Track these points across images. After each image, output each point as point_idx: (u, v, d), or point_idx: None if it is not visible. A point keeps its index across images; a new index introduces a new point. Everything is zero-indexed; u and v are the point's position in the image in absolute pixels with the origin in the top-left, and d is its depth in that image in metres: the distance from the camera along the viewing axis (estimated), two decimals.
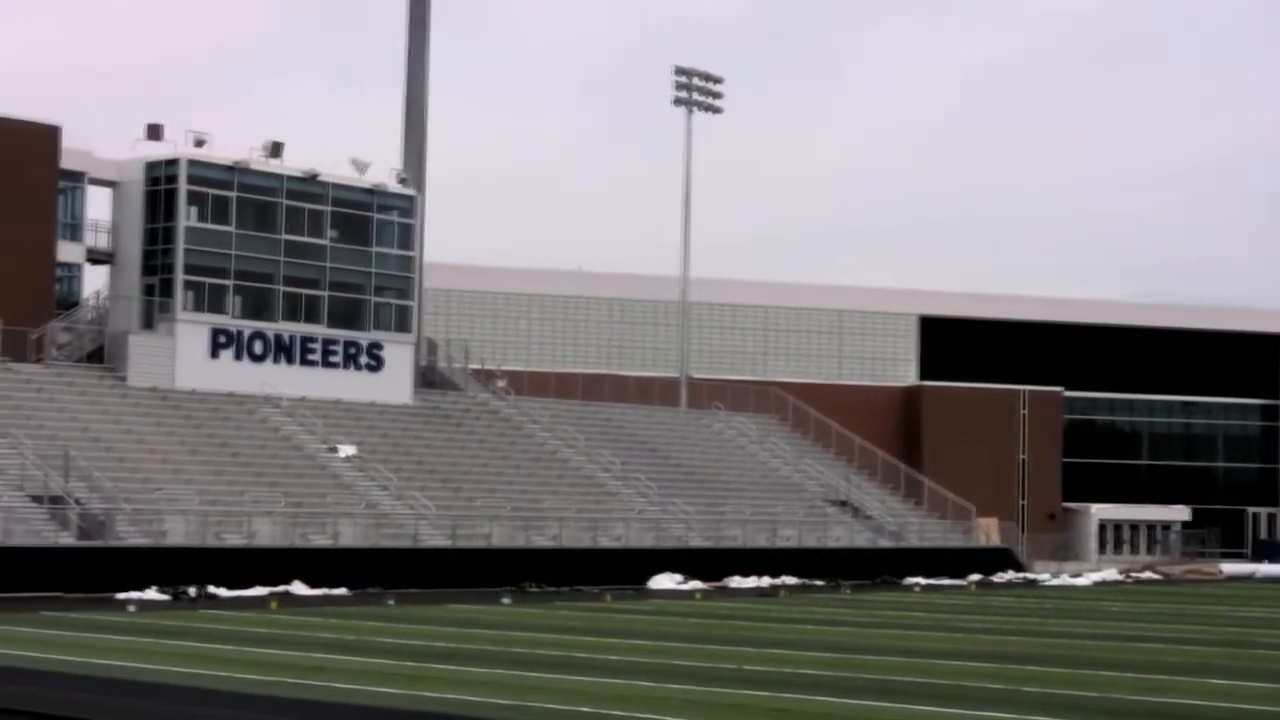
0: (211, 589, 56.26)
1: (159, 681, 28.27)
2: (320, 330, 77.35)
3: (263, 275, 75.89)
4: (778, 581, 71.49)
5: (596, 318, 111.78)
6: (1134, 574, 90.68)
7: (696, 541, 76.43)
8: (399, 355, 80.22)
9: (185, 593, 55.46)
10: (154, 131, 74.51)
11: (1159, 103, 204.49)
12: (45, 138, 73.47)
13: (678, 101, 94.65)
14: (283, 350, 76.15)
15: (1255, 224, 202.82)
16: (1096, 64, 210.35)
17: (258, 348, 75.37)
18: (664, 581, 68.66)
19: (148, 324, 73.70)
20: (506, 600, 56.80)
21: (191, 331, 73.50)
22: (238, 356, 74.77)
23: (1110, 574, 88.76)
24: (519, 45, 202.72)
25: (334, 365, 77.79)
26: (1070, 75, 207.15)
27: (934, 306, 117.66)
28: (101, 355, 73.62)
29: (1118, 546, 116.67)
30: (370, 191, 79.52)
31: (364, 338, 78.88)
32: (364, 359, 78.85)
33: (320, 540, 65.06)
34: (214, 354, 74.08)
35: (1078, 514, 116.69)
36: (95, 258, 76.09)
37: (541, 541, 71.13)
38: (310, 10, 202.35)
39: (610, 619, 48.06)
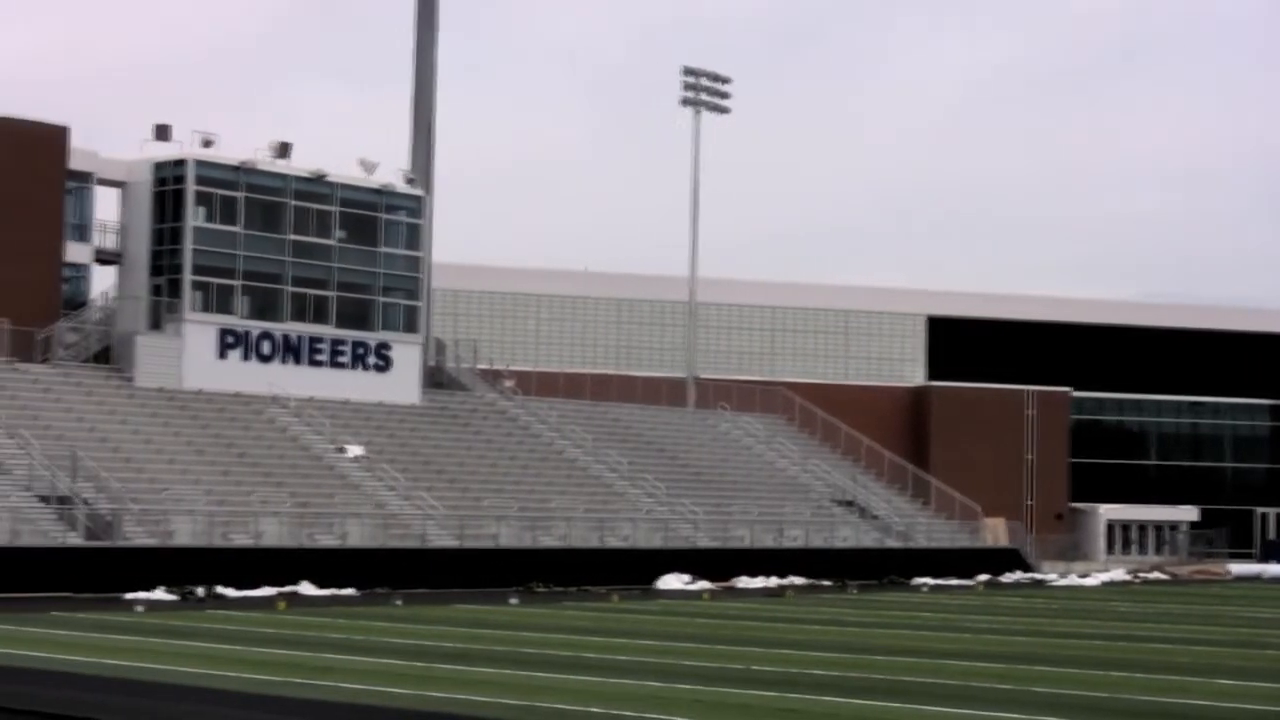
0: (219, 589, 56.26)
1: (167, 682, 28.27)
2: (328, 330, 77.38)
3: (270, 275, 75.92)
4: (785, 582, 71.45)
5: (604, 318, 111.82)
6: (1142, 574, 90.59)
7: (704, 542, 76.42)
8: (407, 355, 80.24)
9: (193, 593, 55.47)
10: (161, 132, 74.53)
11: (1166, 103, 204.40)
12: (53, 138, 73.48)
13: (685, 101, 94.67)
14: (290, 350, 76.18)
15: (1263, 224, 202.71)
16: (1104, 64, 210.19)
17: (265, 348, 75.41)
18: (671, 581, 68.63)
19: (155, 324, 73.74)
20: (514, 600, 56.78)
21: (199, 332, 73.53)
22: (245, 357, 74.80)
23: (1118, 574, 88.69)
24: (527, 45, 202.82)
25: (342, 365, 77.81)
26: (1078, 75, 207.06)
27: (942, 307, 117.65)
28: (109, 355, 73.66)
29: (1126, 547, 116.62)
30: (378, 192, 79.54)
31: (372, 338, 78.91)
32: (372, 359, 78.87)
33: (328, 540, 65.07)
34: (222, 354, 74.11)
35: (1086, 514, 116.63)
36: (103, 258, 76.10)
37: (549, 542, 71.13)
38: (318, 11, 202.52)
39: (618, 619, 48.05)
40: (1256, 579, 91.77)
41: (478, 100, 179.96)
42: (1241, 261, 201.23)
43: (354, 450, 72.55)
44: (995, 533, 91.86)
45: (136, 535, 60.48)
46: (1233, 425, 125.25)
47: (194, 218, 73.66)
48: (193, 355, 73.17)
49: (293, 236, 76.39)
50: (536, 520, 72.16)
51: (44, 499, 59.90)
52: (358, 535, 66.15)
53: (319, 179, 77.39)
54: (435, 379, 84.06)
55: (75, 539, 58.55)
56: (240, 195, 74.92)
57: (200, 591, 55.71)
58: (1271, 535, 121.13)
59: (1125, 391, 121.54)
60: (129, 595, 53.81)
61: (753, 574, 71.89)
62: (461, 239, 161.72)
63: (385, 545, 65.76)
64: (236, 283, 74.83)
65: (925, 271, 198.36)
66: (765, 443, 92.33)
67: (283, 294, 76.16)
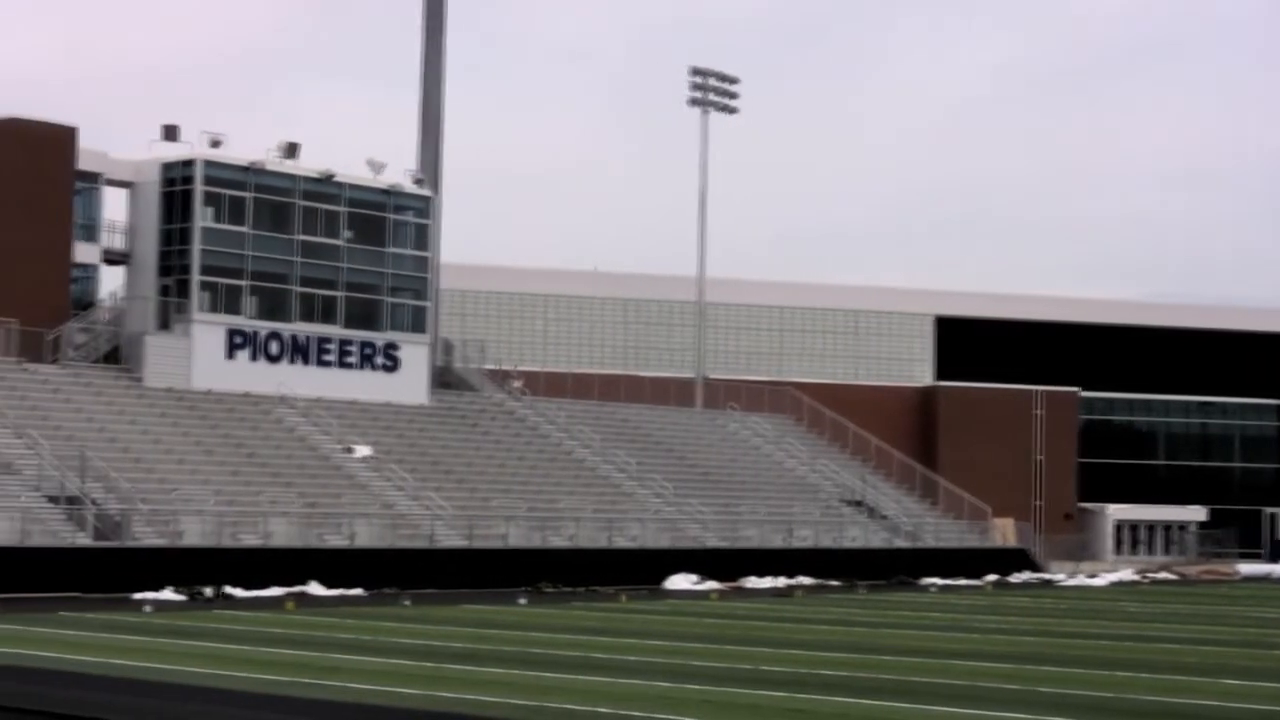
0: (228, 589, 56.27)
1: (175, 682, 28.29)
2: (336, 331, 77.42)
3: (278, 276, 75.96)
4: (793, 582, 71.44)
5: (612, 318, 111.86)
6: (1150, 574, 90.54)
7: (712, 542, 76.41)
8: (415, 356, 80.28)
9: (201, 593, 55.49)
10: (170, 132, 74.65)
11: (1175, 102, 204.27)
12: (62, 139, 73.56)
13: (693, 102, 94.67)
14: (298, 351, 76.23)
15: (1267, 225, 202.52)
16: (1112, 63, 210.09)
17: (273, 348, 75.46)
18: (680, 582, 68.62)
19: (164, 325, 73.80)
20: (523, 600, 56.79)
21: (207, 332, 73.59)
22: (254, 357, 74.86)
23: (1126, 574, 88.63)
24: (534, 46, 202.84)
25: (350, 366, 77.85)
26: (1086, 75, 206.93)
27: (950, 307, 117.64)
28: (118, 356, 73.73)
29: (1134, 547, 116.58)
30: (386, 192, 79.58)
31: (380, 338, 78.94)
32: (380, 359, 78.91)
33: (336, 541, 65.10)
34: (230, 354, 74.17)
35: (1094, 514, 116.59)
36: (111, 258, 76.17)
37: (557, 542, 71.14)
38: (326, 11, 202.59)
39: (626, 619, 48.05)
40: (1265, 579, 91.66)
41: (486, 100, 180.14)
42: (1244, 262, 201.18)
43: (362, 450, 72.59)
44: (1004, 533, 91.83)
45: (145, 535, 60.52)
46: (1241, 425, 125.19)
47: (202, 218, 73.72)
48: (201, 355, 73.23)
49: (301, 237, 76.43)
50: (545, 520, 72.17)
51: (53, 499, 59.95)
52: (366, 535, 66.18)
53: (327, 179, 77.44)
54: (443, 379, 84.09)
55: (84, 539, 58.59)
56: (248, 195, 74.96)
57: (209, 592, 55.73)
58: None
59: (1134, 391, 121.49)
60: (137, 595, 53.84)
61: (761, 574, 71.88)
62: (469, 239, 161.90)
63: (393, 545, 65.78)
64: (245, 283, 74.88)
65: (933, 271, 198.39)
66: (774, 443, 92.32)
67: (291, 294, 76.21)
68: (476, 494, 73.14)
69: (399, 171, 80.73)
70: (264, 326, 75.30)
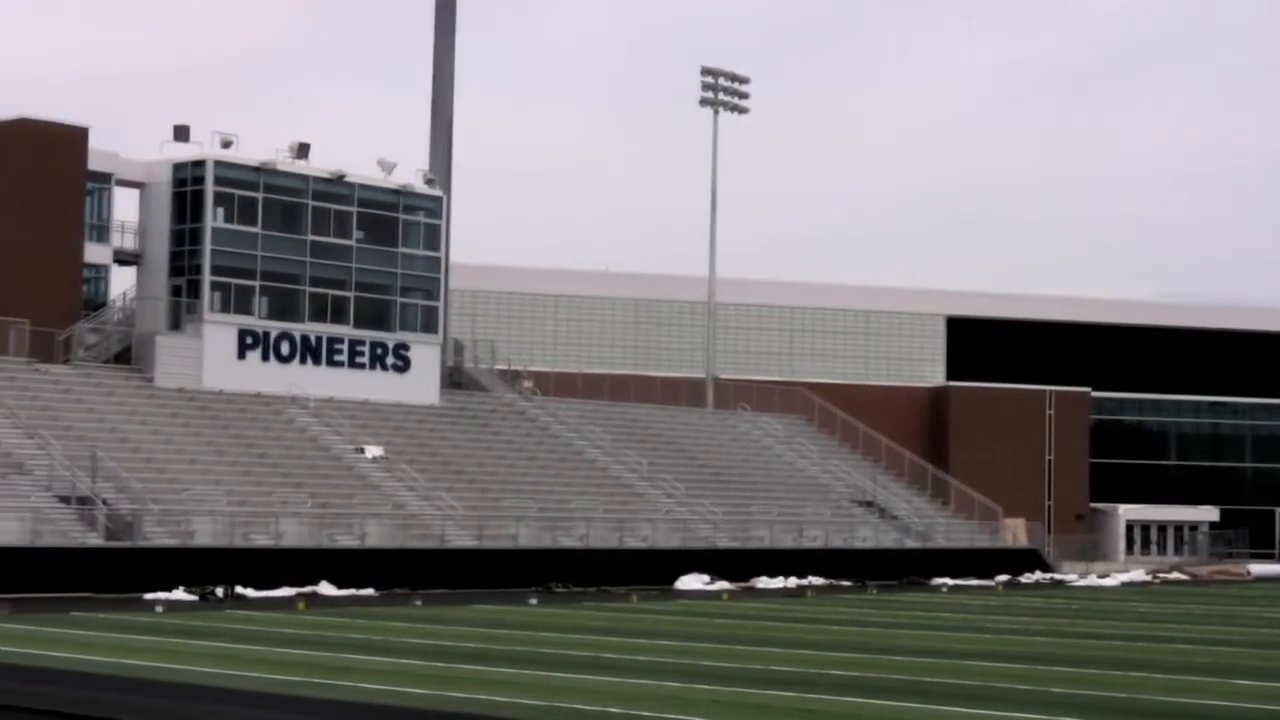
0: (239, 589, 56.33)
1: (186, 682, 28.32)
2: (347, 331, 77.45)
3: (289, 276, 75.99)
4: (804, 582, 71.44)
5: (623, 318, 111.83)
6: (1161, 575, 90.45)
7: (723, 542, 76.39)
8: (425, 356, 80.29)
9: (213, 593, 55.55)
10: (181, 133, 74.67)
11: (1185, 102, 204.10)
12: (73, 139, 73.59)
13: (704, 102, 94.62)
14: (309, 351, 76.26)
15: (1272, 225, 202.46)
16: (1122, 64, 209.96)
17: (284, 348, 75.49)
18: (691, 582, 68.61)
19: (175, 325, 73.84)
20: (533, 601, 56.80)
21: (218, 332, 73.63)
22: (265, 357, 74.88)
23: (1138, 575, 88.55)
24: (545, 46, 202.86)
25: (360, 366, 77.87)
26: (1096, 75, 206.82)
27: (961, 307, 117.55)
28: (129, 356, 73.77)
29: (1145, 547, 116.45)
30: (396, 192, 79.59)
31: (390, 338, 78.96)
32: (390, 360, 78.93)
33: (347, 541, 65.14)
34: (241, 355, 74.20)
35: (1105, 514, 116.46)
36: (122, 259, 76.21)
37: (568, 542, 71.14)
38: (337, 11, 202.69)
39: (637, 619, 48.05)
40: (1277, 579, 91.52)
41: (496, 101, 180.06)
42: (1262, 261, 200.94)
43: (373, 450, 72.62)
44: (1015, 533, 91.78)
45: (156, 535, 60.57)
46: (1253, 425, 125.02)
47: (213, 218, 73.76)
48: (212, 356, 73.27)
49: (311, 237, 76.45)
50: (556, 521, 72.18)
51: (64, 499, 60.01)
52: (377, 535, 66.22)
53: (338, 179, 77.47)
54: (454, 379, 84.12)
55: (95, 539, 58.65)
56: (259, 196, 74.98)
57: (220, 592, 55.78)
58: None
59: (1145, 391, 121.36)
60: (149, 595, 53.90)
61: (772, 574, 71.86)
62: (480, 239, 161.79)
63: (404, 545, 65.81)
64: (255, 283, 74.92)
65: (944, 272, 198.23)
66: (785, 443, 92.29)
67: (302, 294, 76.24)
68: (487, 494, 73.16)
69: (410, 171, 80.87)
70: (275, 327, 75.33)
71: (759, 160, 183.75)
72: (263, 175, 75.02)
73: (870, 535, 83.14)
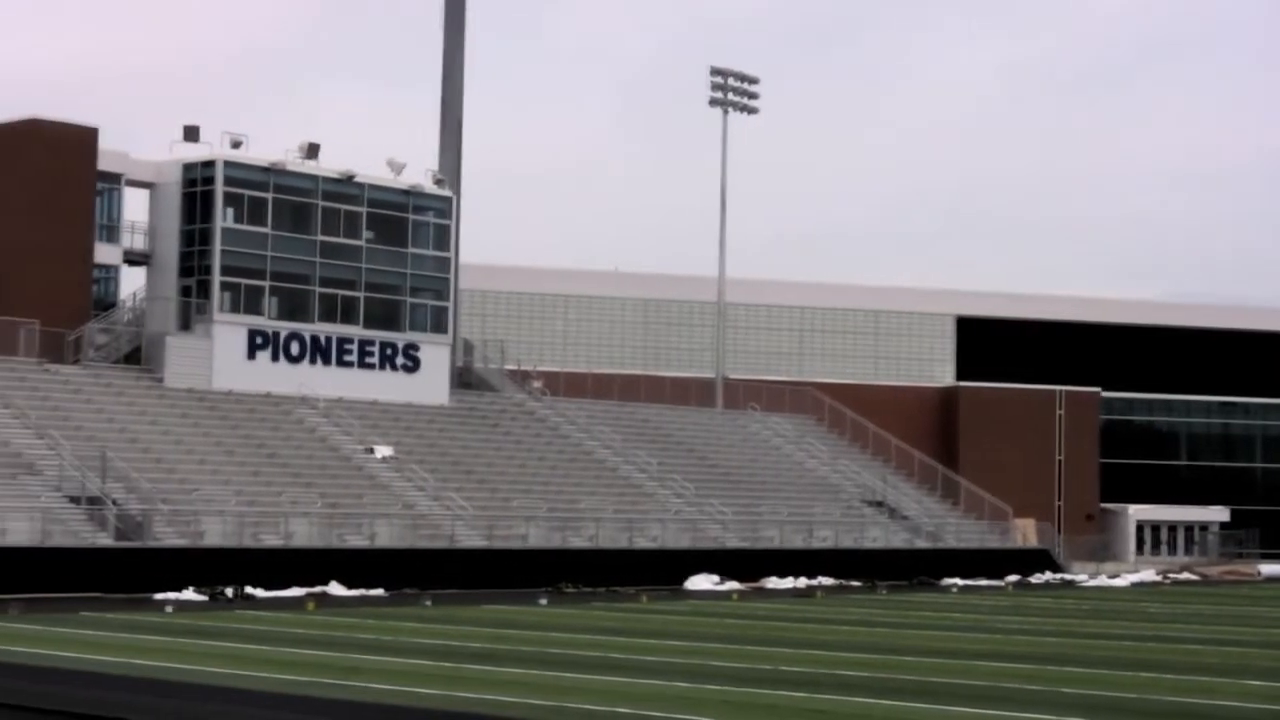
0: (249, 589, 56.37)
1: (196, 682, 28.33)
2: (356, 331, 77.45)
3: (299, 276, 76.01)
4: (814, 582, 71.41)
5: (632, 318, 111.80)
6: (1172, 575, 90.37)
7: (733, 542, 76.37)
8: (435, 356, 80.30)
9: (222, 593, 55.58)
10: (191, 133, 74.72)
11: (1185, 102, 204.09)
12: (83, 140, 73.66)
13: (714, 102, 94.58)
14: (319, 351, 76.28)
15: (1276, 225, 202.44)
16: (1132, 63, 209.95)
17: (294, 349, 75.52)
18: (700, 582, 68.62)
19: (185, 325, 73.88)
20: (543, 601, 56.80)
21: (228, 333, 73.65)
22: (274, 358, 74.91)
23: (1148, 575, 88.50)
24: (555, 46, 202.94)
25: (370, 366, 77.88)
26: (1106, 75, 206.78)
27: (971, 307, 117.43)
28: (139, 356, 73.82)
29: (1155, 547, 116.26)
30: (406, 192, 79.60)
31: (400, 339, 78.97)
32: (400, 360, 78.93)
33: (357, 541, 65.15)
34: (251, 355, 74.23)
35: (1115, 515, 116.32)
36: (132, 259, 76.26)
37: (578, 542, 71.13)
38: (347, 12, 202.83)
39: (646, 620, 48.04)
40: None
41: (506, 101, 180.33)
42: (1248, 262, 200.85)
43: (383, 451, 72.64)
44: (1025, 533, 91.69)
45: (166, 536, 60.62)
46: (1263, 425, 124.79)
47: (223, 219, 73.78)
48: (222, 356, 73.30)
49: (321, 237, 76.47)
50: (565, 521, 72.17)
51: (74, 499, 60.06)
52: (387, 536, 66.22)
53: (347, 180, 77.48)
54: (464, 379, 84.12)
55: (105, 539, 58.70)
56: (269, 196, 75.01)
57: (230, 592, 55.82)
58: None
59: (1155, 391, 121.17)
60: (159, 595, 53.97)
61: (782, 574, 71.85)
62: (490, 239, 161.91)
63: (414, 546, 65.80)
64: (265, 283, 74.94)
65: (954, 272, 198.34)
66: (794, 443, 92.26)
67: (311, 295, 76.26)
68: (497, 494, 73.17)
69: (419, 172, 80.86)
70: (285, 327, 75.35)
71: (768, 160, 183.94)
72: (272, 175, 75.05)
73: (880, 535, 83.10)
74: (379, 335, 78.20)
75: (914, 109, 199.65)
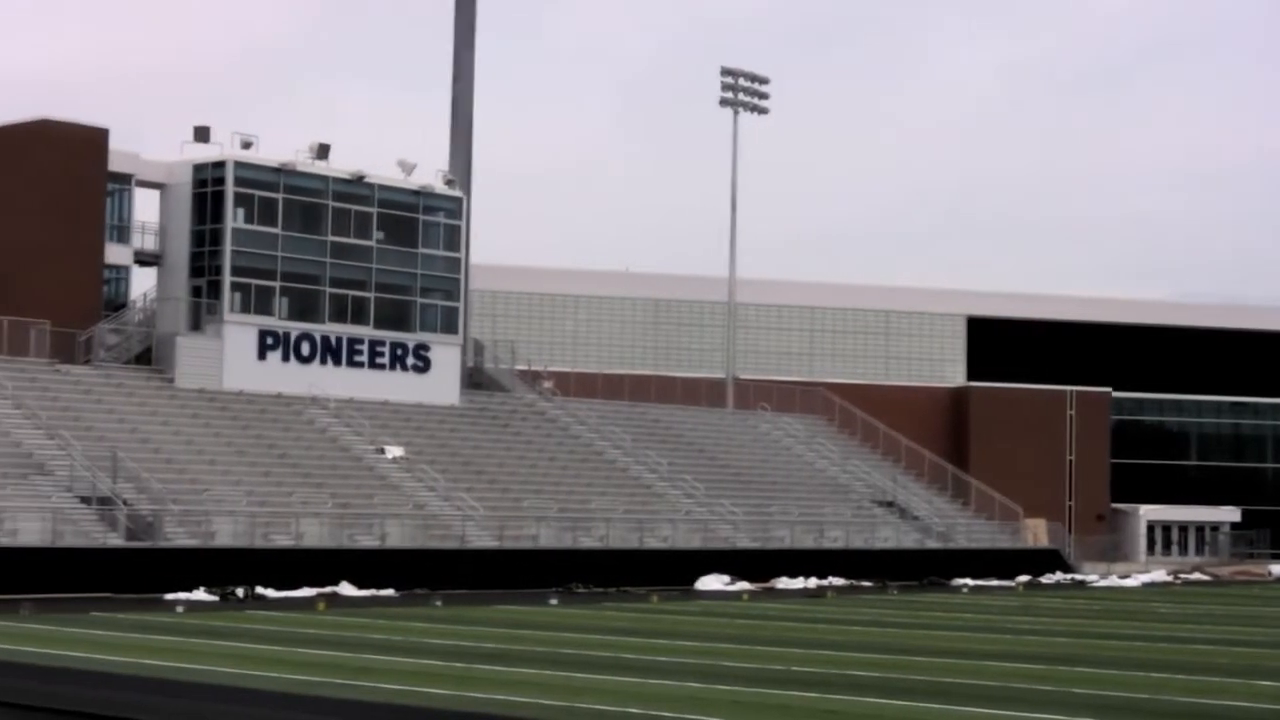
0: (259, 590, 56.38)
1: (207, 682, 28.33)
2: (367, 331, 77.48)
3: (309, 277, 76.04)
4: (825, 582, 71.36)
5: (643, 319, 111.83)
6: (1183, 575, 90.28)
7: (743, 542, 76.34)
8: (446, 356, 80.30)
9: (233, 593, 55.60)
10: (201, 134, 74.76)
11: (1185, 102, 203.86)
12: (94, 140, 73.74)
13: (724, 102, 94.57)
14: (330, 351, 76.30)
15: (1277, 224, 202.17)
16: (1132, 63, 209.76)
17: (305, 349, 75.54)
18: (711, 582, 68.58)
19: (195, 325, 73.93)
20: (554, 601, 56.80)
21: (239, 333, 73.69)
22: (285, 358, 74.94)
23: (1159, 575, 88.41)
24: (565, 46, 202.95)
25: (381, 366, 77.90)
26: (1106, 75, 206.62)
27: (981, 307, 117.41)
28: (149, 357, 73.87)
29: (1166, 548, 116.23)
30: (417, 193, 79.62)
31: (411, 339, 78.98)
32: (411, 360, 78.95)
33: (368, 541, 65.16)
34: (261, 355, 74.26)
35: (1126, 515, 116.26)
36: (143, 259, 76.34)
37: (588, 542, 71.12)
38: (357, 13, 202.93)
39: (657, 620, 48.02)
40: None
41: (516, 101, 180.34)
42: (1248, 262, 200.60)
43: (394, 451, 72.66)
44: (1035, 533, 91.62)
45: (177, 536, 60.64)
46: (1274, 425, 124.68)
47: (233, 219, 73.83)
48: (233, 356, 73.34)
49: (332, 238, 76.49)
50: (576, 521, 72.16)
51: (85, 500, 60.09)
52: (397, 536, 66.24)
53: (358, 180, 77.50)
54: (474, 380, 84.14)
55: (116, 540, 58.72)
56: (279, 197, 75.03)
57: (240, 592, 55.83)
58: None
59: (1165, 392, 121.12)
60: (169, 596, 53.97)
61: (792, 575, 71.80)
62: (500, 240, 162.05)
63: (425, 546, 65.80)
64: (276, 284, 74.96)
65: (965, 272, 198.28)
66: (805, 443, 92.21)
67: (322, 295, 76.29)
68: (508, 494, 73.16)
69: (430, 172, 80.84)
70: (295, 327, 75.38)
71: (778, 160, 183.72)
72: (283, 176, 75.08)
73: (891, 536, 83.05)
74: (390, 336, 78.22)
75: (926, 108, 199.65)
